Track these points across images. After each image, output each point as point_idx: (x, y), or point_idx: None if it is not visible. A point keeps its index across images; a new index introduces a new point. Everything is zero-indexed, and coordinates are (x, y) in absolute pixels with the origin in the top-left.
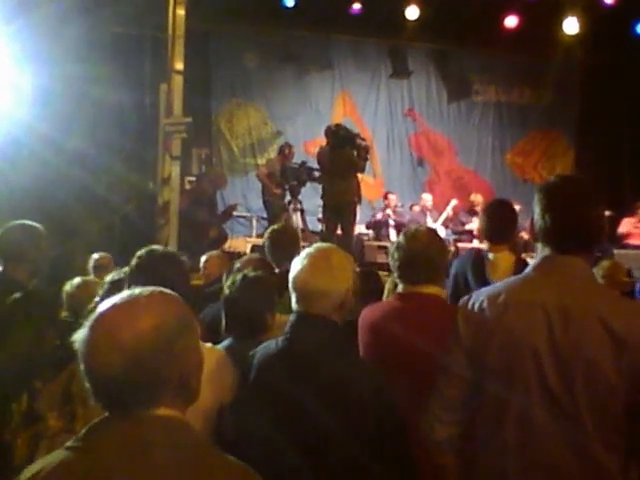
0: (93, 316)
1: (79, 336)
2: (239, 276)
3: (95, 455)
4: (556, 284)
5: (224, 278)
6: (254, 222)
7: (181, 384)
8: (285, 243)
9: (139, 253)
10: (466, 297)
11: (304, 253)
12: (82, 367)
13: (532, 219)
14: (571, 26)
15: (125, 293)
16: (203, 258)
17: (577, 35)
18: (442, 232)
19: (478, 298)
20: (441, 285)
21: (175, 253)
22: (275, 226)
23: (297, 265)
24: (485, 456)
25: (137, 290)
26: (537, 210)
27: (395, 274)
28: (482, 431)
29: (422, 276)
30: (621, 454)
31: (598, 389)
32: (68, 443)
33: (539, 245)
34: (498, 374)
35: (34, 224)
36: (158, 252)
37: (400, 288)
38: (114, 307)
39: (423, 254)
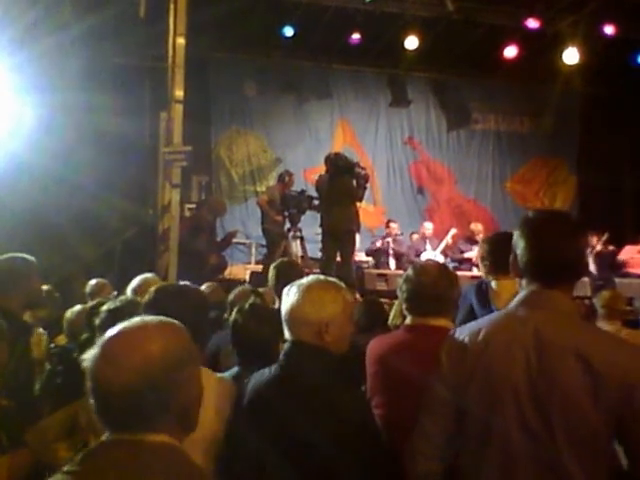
0: (104, 336)
1: (89, 354)
2: (247, 305)
3: (88, 478)
4: (535, 321)
5: (228, 310)
6: (253, 249)
7: (182, 413)
8: (291, 277)
9: (153, 288)
10: (450, 333)
11: (292, 285)
12: (89, 384)
13: (515, 254)
14: (571, 56)
15: (136, 319)
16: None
17: (577, 65)
18: (441, 260)
19: (461, 334)
20: (450, 318)
21: (187, 286)
22: (282, 259)
23: (283, 297)
24: None
25: (147, 317)
26: (519, 244)
27: (403, 306)
28: (464, 466)
29: (430, 308)
30: None
31: (576, 425)
32: (66, 467)
33: (523, 281)
34: (479, 412)
35: (28, 257)
36: (171, 287)
37: (408, 320)
38: (125, 330)
39: (432, 287)
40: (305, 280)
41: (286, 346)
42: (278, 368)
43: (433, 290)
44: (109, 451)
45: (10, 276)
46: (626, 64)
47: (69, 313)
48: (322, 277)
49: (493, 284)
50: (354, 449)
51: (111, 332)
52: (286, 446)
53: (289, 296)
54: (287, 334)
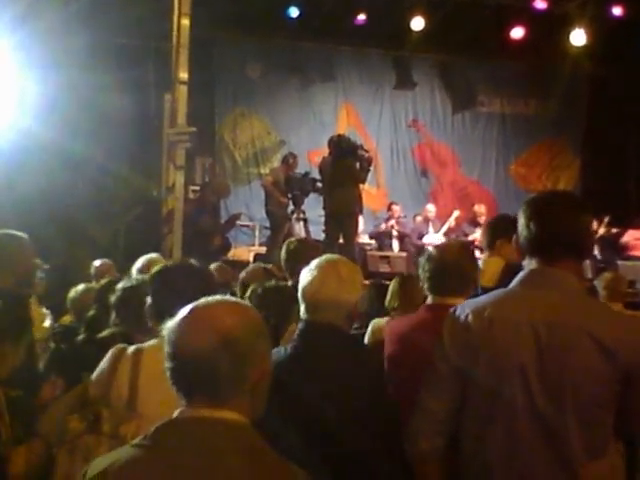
0: (186, 308)
1: (171, 322)
2: (259, 289)
3: (162, 454)
4: (543, 299)
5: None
6: (257, 231)
7: (254, 389)
8: (305, 256)
9: (160, 267)
10: (452, 310)
11: (313, 264)
12: (169, 349)
13: (517, 234)
14: (578, 38)
15: (211, 298)
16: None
17: (584, 47)
18: None
19: (463, 311)
20: (468, 297)
21: (195, 265)
22: (295, 238)
23: (307, 276)
24: (469, 471)
25: (222, 297)
26: (521, 221)
27: (425, 285)
28: (466, 446)
29: (452, 287)
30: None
31: (588, 405)
32: (135, 441)
33: (526, 259)
34: (484, 390)
35: (19, 234)
36: (180, 265)
37: (429, 299)
38: (205, 304)
39: (454, 266)
40: (324, 261)
41: (301, 325)
42: (294, 348)
43: (456, 268)
44: (183, 428)
45: (4, 255)
46: (634, 46)
47: (73, 292)
48: (341, 257)
49: (479, 262)
50: (376, 421)
51: (190, 306)
52: (306, 424)
53: (314, 278)
54: (305, 314)
